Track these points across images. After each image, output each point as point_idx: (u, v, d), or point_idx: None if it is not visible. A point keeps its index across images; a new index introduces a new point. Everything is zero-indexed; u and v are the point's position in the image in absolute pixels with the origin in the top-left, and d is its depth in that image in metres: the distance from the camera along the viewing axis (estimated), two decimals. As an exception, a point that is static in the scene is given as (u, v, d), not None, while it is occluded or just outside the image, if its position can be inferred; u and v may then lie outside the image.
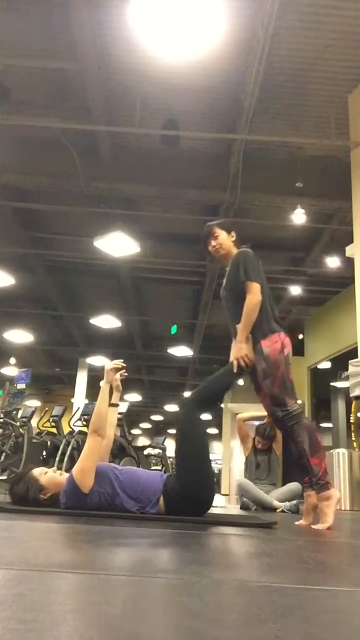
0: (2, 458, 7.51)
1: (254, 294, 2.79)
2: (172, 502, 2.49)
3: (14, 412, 8.17)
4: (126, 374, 2.89)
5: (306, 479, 2.71)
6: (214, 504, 4.64)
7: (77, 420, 8.08)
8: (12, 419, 7.95)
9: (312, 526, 2.58)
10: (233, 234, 3.07)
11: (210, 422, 23.73)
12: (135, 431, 25.04)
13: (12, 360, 15.36)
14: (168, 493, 2.50)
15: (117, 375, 2.86)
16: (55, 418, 8.48)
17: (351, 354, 7.34)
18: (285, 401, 2.68)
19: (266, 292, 2.88)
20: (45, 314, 12.72)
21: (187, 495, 2.49)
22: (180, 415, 2.72)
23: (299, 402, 12.62)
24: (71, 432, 7.83)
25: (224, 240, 3.03)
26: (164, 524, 2.26)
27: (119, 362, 2.84)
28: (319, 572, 1.34)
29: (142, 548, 1.55)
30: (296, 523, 2.82)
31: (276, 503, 4.40)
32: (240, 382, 5.19)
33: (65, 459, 7.10)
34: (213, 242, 3.04)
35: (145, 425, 27.12)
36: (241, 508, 4.65)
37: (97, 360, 14.58)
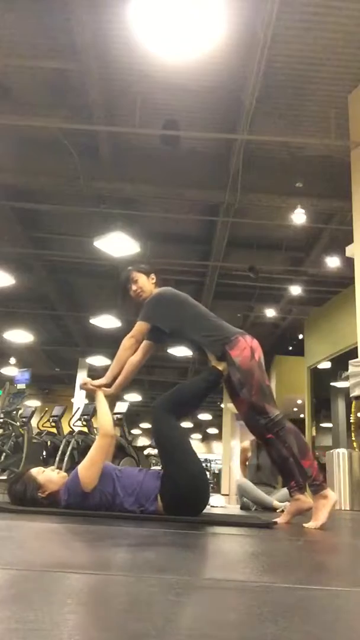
0: (2, 458, 7.50)
1: (130, 336, 2.85)
2: (168, 499, 2.49)
3: (14, 412, 8.16)
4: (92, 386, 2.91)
5: (292, 483, 2.67)
6: (214, 504, 4.65)
7: (77, 420, 8.07)
8: (12, 419, 7.94)
9: (304, 525, 2.56)
10: (153, 276, 3.07)
11: (211, 422, 23.74)
12: (135, 431, 25.02)
13: (12, 360, 15.36)
14: (164, 491, 2.50)
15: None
16: (55, 418, 8.47)
17: (351, 354, 7.34)
18: (266, 408, 2.65)
19: (200, 310, 2.93)
20: (45, 314, 12.72)
21: (182, 493, 2.50)
22: (153, 419, 2.69)
23: (299, 402, 12.63)
24: (71, 432, 7.82)
25: (144, 283, 3.03)
26: (164, 524, 2.26)
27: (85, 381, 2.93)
28: (319, 572, 1.34)
29: (142, 548, 1.55)
30: (275, 520, 2.72)
31: (276, 503, 4.40)
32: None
33: (65, 459, 7.09)
34: (134, 287, 3.03)
35: (145, 425, 27.10)
36: (241, 508, 4.65)
37: (97, 360, 14.56)
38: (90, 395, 2.92)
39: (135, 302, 3.05)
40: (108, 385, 2.87)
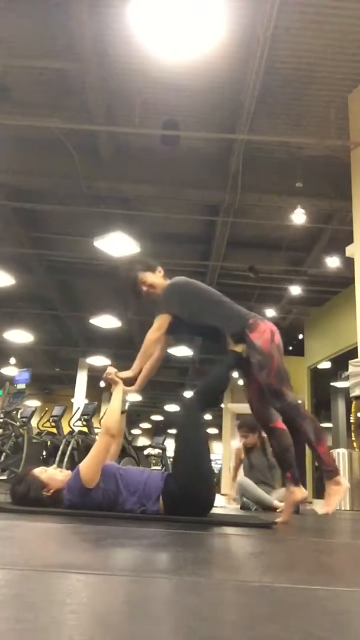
0: (2, 458, 7.50)
1: (156, 329, 2.81)
2: (171, 501, 2.49)
3: (14, 412, 8.16)
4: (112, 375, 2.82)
5: (287, 474, 2.71)
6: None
7: (77, 420, 8.07)
8: (12, 419, 7.94)
9: (318, 511, 2.61)
10: (159, 269, 3.08)
11: (211, 422, 23.73)
12: (135, 431, 25.02)
13: (12, 360, 15.36)
14: (167, 492, 2.50)
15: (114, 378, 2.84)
16: (55, 418, 8.47)
17: (351, 354, 7.34)
18: (283, 392, 2.70)
19: (215, 295, 2.95)
20: (45, 314, 12.72)
21: (185, 495, 2.49)
22: (180, 415, 2.69)
23: (299, 401, 12.67)
24: (71, 432, 7.83)
25: (154, 279, 3.04)
26: (165, 524, 2.26)
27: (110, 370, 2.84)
28: (319, 572, 1.34)
29: (142, 548, 1.55)
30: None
31: (276, 503, 4.40)
32: (240, 382, 5.21)
33: (65, 459, 7.10)
34: (145, 288, 3.04)
35: (145, 425, 27.11)
36: (241, 508, 4.64)
37: (97, 360, 14.57)
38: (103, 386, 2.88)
39: (151, 300, 3.04)
40: (130, 381, 2.85)
